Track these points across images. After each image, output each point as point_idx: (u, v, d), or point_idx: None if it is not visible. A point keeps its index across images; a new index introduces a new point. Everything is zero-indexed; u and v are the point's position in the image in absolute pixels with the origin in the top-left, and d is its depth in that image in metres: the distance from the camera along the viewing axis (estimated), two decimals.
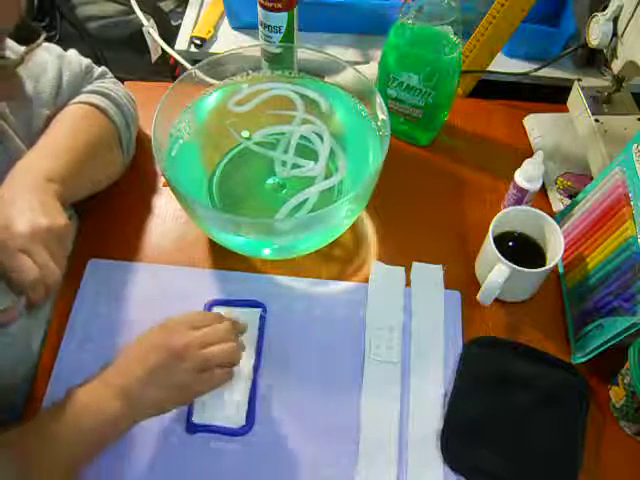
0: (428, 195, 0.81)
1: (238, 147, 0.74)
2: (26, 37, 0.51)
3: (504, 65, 1.01)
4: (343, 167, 0.72)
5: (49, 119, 0.69)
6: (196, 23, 1.09)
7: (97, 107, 0.72)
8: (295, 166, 0.72)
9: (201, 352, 0.57)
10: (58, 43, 0.74)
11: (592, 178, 0.78)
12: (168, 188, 0.77)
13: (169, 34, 1.16)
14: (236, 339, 0.61)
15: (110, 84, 0.77)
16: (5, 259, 0.53)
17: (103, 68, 0.79)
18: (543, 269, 0.65)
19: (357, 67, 0.71)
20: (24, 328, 0.65)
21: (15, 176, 0.60)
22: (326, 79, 0.75)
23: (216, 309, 0.70)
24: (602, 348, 0.62)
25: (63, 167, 0.63)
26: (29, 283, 0.54)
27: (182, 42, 1.07)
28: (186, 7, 1.14)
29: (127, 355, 0.57)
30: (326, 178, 0.71)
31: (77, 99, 0.72)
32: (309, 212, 0.68)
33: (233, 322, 0.62)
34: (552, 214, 0.76)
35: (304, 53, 0.76)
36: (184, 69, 0.87)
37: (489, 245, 0.66)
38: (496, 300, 0.67)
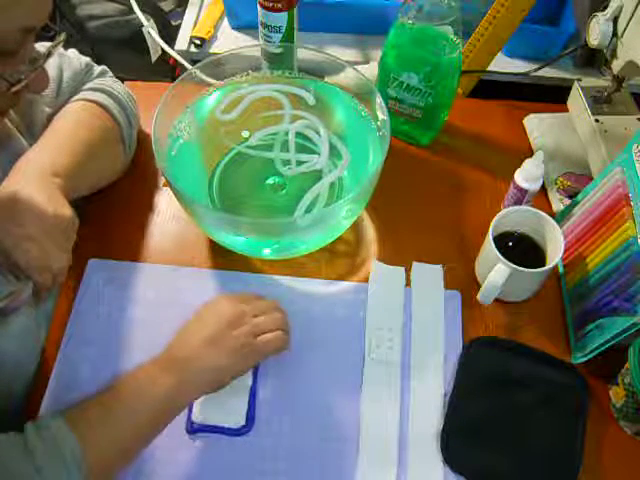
0: (428, 195, 0.81)
1: (237, 147, 0.74)
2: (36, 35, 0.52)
3: (504, 65, 1.01)
4: (346, 159, 0.71)
5: (50, 117, 0.69)
6: (196, 23, 1.10)
7: (99, 104, 0.72)
8: (298, 163, 0.72)
9: (254, 320, 0.61)
10: None
11: (592, 178, 0.79)
12: (168, 188, 0.77)
13: (169, 34, 1.16)
14: (287, 330, 0.64)
15: (110, 82, 0.77)
16: (11, 246, 0.54)
17: (103, 67, 0.79)
18: (543, 269, 0.65)
19: (357, 67, 0.71)
20: (29, 324, 0.65)
21: (19, 170, 0.60)
22: (326, 79, 0.75)
23: None
24: (602, 348, 0.62)
25: (66, 162, 0.63)
26: (35, 269, 0.55)
27: (182, 42, 1.07)
28: (186, 7, 1.14)
29: (184, 328, 0.60)
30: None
31: (79, 96, 0.72)
32: (324, 206, 0.68)
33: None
34: (552, 214, 0.76)
35: (304, 53, 0.76)
36: (184, 69, 0.87)
37: (489, 245, 0.66)
38: (496, 300, 0.67)
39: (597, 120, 0.78)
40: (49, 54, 0.53)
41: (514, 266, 0.64)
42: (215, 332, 0.59)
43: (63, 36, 0.55)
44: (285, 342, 0.63)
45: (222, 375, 0.59)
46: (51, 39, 0.56)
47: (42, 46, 0.55)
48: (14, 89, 0.51)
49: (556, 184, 0.80)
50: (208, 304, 0.62)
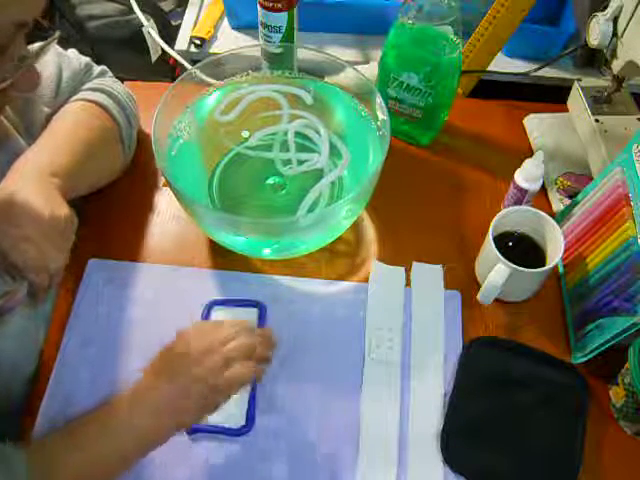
0: (428, 195, 0.81)
1: (237, 148, 0.74)
2: (29, 33, 0.51)
3: (504, 65, 1.01)
4: (347, 159, 0.71)
5: (49, 117, 0.69)
6: (196, 23, 1.10)
7: (99, 104, 0.72)
8: (298, 163, 0.72)
9: (221, 351, 0.56)
10: (58, 43, 0.74)
11: (592, 178, 0.79)
12: (168, 188, 0.77)
13: (169, 34, 1.16)
14: (254, 360, 0.58)
15: (110, 82, 0.77)
16: (9, 247, 0.54)
17: (103, 67, 0.79)
18: (543, 269, 0.65)
19: (357, 67, 0.71)
20: (27, 325, 0.65)
21: (17, 170, 0.60)
22: (326, 79, 0.75)
23: (215, 309, 0.70)
24: (602, 348, 0.62)
25: (65, 162, 0.63)
26: (31, 268, 0.55)
27: (182, 42, 1.07)
28: (186, 7, 1.14)
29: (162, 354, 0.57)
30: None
31: (78, 96, 0.72)
32: (326, 206, 0.68)
33: (264, 337, 0.60)
34: (552, 214, 0.76)
35: (304, 53, 0.76)
36: (184, 69, 0.87)
37: (489, 245, 0.66)
38: (496, 300, 0.67)
39: (597, 120, 0.78)
40: (40, 52, 0.52)
41: (514, 266, 0.64)
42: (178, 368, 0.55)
43: (56, 34, 0.54)
44: (248, 375, 0.56)
45: (184, 419, 0.55)
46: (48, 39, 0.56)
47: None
48: (0, 87, 0.51)
49: (556, 184, 0.80)
50: (176, 337, 0.58)
